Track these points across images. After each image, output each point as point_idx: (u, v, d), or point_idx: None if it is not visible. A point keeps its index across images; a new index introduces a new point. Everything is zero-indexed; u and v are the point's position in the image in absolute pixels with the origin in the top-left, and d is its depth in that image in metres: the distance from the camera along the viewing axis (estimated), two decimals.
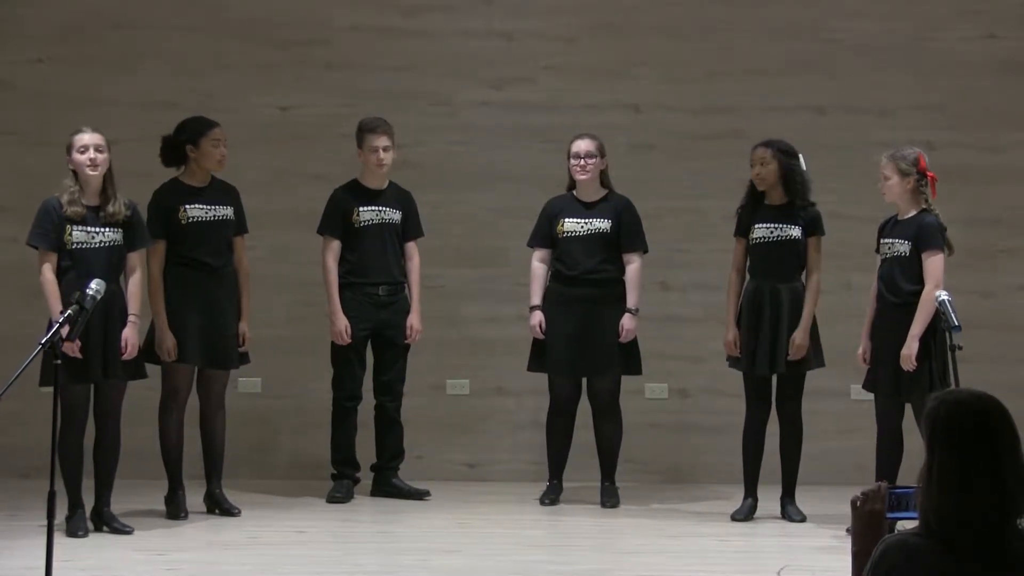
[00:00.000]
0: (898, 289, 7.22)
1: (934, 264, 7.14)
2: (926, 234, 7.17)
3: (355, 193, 8.11)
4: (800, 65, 8.84)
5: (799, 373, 7.62)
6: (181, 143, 7.62)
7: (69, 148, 7.05)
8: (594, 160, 8.00)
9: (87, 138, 7.04)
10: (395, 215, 8.13)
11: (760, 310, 7.60)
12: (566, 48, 8.93)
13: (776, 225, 7.63)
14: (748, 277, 7.70)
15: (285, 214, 8.70)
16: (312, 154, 8.81)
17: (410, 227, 8.19)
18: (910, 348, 7.08)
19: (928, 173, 7.22)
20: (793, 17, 8.87)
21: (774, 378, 7.66)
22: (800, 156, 7.62)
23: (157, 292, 7.47)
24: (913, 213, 7.24)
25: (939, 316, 7.09)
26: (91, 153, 7.01)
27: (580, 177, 8.00)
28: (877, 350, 7.29)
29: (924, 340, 7.10)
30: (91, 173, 7.02)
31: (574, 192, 8.09)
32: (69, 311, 5.88)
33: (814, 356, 7.61)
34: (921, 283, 7.15)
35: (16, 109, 8.80)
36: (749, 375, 7.66)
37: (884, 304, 7.29)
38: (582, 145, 8.00)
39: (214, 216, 7.65)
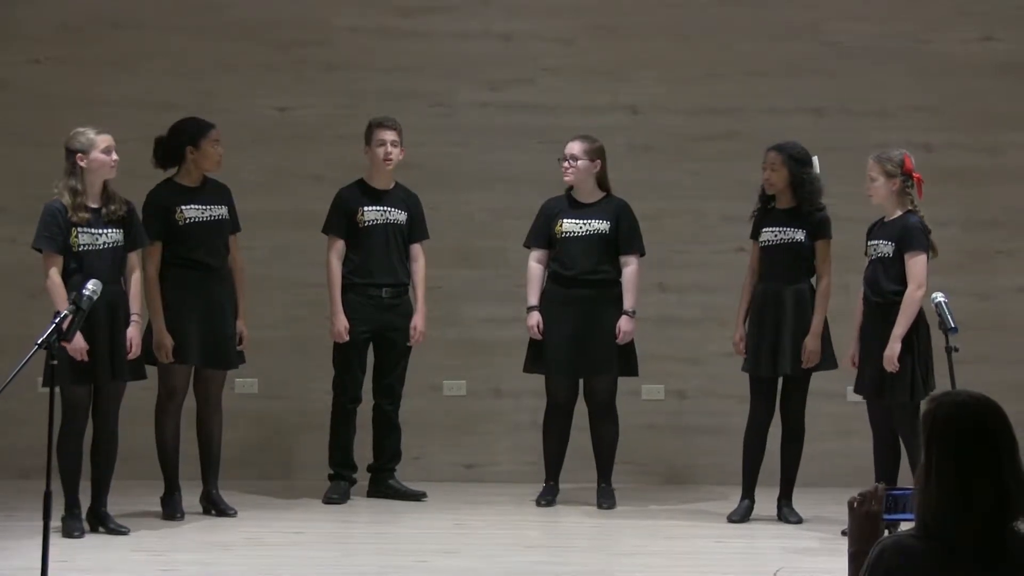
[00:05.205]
0: (881, 290, 7.25)
1: (917, 265, 7.16)
2: (909, 235, 7.19)
3: (360, 193, 8.10)
4: (799, 67, 8.84)
5: (805, 375, 7.63)
6: (181, 144, 7.60)
7: (86, 148, 7.01)
8: (579, 163, 7.99)
9: (109, 139, 7.05)
10: (400, 216, 8.12)
11: (763, 312, 7.63)
12: (564, 49, 8.93)
13: (781, 229, 7.65)
14: (758, 279, 7.73)
15: (284, 215, 8.70)
16: (311, 155, 8.81)
17: (416, 229, 8.18)
18: (892, 349, 7.11)
19: (914, 174, 7.24)
20: (792, 19, 8.87)
21: (779, 380, 7.67)
22: (815, 159, 7.63)
23: (154, 293, 7.45)
24: (898, 214, 7.26)
25: (922, 318, 7.14)
26: (113, 155, 7.03)
27: (565, 178, 8.01)
28: (862, 352, 7.33)
29: (907, 341, 7.12)
30: (110, 174, 7.04)
31: (572, 193, 8.09)
32: (65, 312, 5.89)
33: (824, 358, 7.62)
34: (903, 284, 7.16)
35: (15, 109, 8.79)
36: (754, 376, 7.67)
37: (868, 306, 7.34)
38: (569, 146, 8.00)
39: (210, 216, 7.65)
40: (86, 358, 6.84)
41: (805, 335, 7.56)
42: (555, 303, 8.00)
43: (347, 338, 7.99)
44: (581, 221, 8.00)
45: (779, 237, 7.66)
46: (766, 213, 7.74)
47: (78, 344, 6.71)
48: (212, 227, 7.64)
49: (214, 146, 7.61)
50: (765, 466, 7.71)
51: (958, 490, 3.18)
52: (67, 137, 7.08)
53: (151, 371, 7.46)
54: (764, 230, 7.70)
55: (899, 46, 8.83)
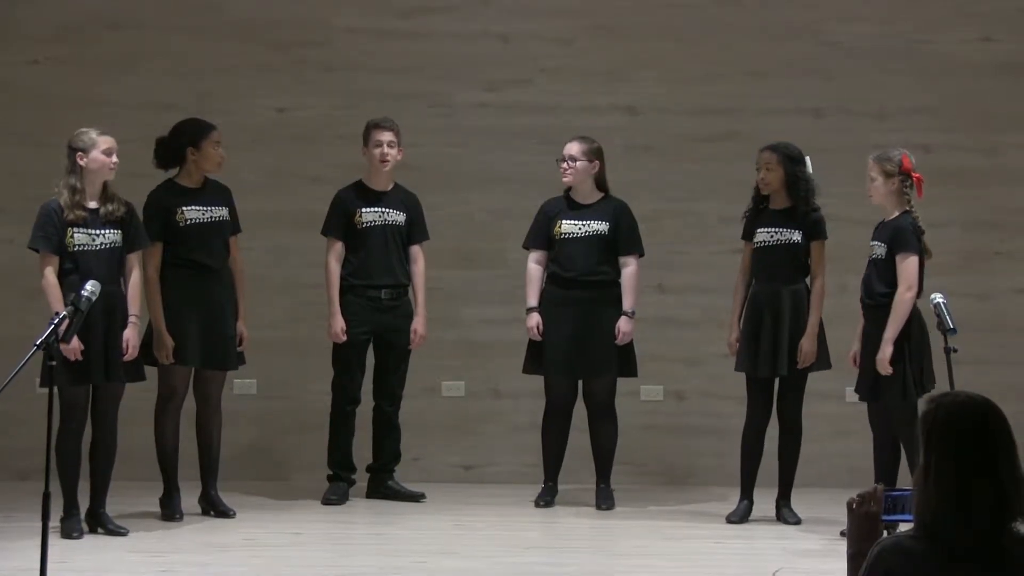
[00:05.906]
0: (872, 292, 7.25)
1: (907, 267, 7.15)
2: (900, 236, 7.18)
3: (358, 194, 8.10)
4: (797, 67, 8.84)
5: (801, 375, 7.62)
6: (181, 145, 7.61)
7: (88, 147, 7.01)
8: (577, 164, 7.98)
9: (111, 140, 7.05)
10: (399, 217, 8.11)
11: (760, 313, 7.61)
12: (563, 50, 8.93)
13: (777, 229, 7.64)
14: (752, 280, 7.72)
15: (282, 216, 8.70)
16: (310, 156, 8.81)
17: (415, 230, 8.17)
18: (883, 352, 7.09)
19: (913, 174, 7.23)
20: (791, 19, 8.87)
21: (776, 381, 7.67)
22: (807, 159, 7.63)
23: (154, 294, 7.46)
24: (895, 215, 7.26)
25: (917, 319, 7.13)
26: (114, 156, 7.03)
27: (563, 179, 8.00)
28: (862, 353, 7.33)
29: (898, 343, 7.11)
30: (109, 176, 7.03)
31: (570, 194, 8.09)
32: (63, 313, 5.89)
33: (819, 359, 7.61)
34: (895, 286, 7.16)
35: (14, 110, 8.79)
36: (752, 377, 7.66)
37: (863, 307, 7.34)
38: (567, 147, 8.00)
39: (210, 217, 7.65)
40: (79, 358, 6.83)
41: (801, 336, 7.56)
42: (554, 304, 8.00)
43: (344, 339, 7.98)
44: (580, 222, 7.99)
45: (775, 238, 7.65)
46: (759, 214, 7.72)
47: (72, 344, 6.69)
48: (212, 228, 7.64)
49: (215, 147, 7.61)
50: (763, 467, 7.70)
51: (957, 491, 3.18)
52: (71, 136, 7.09)
53: (151, 372, 7.46)
54: (759, 231, 7.69)
55: (899, 46, 8.83)
